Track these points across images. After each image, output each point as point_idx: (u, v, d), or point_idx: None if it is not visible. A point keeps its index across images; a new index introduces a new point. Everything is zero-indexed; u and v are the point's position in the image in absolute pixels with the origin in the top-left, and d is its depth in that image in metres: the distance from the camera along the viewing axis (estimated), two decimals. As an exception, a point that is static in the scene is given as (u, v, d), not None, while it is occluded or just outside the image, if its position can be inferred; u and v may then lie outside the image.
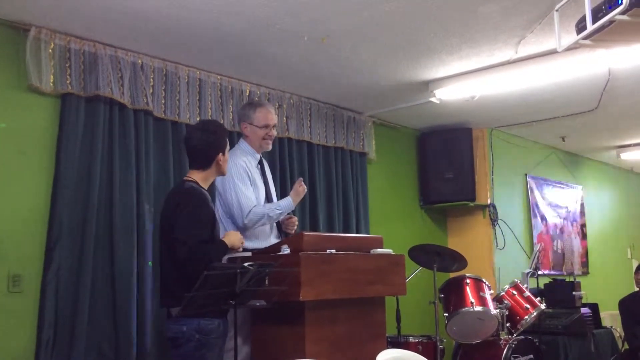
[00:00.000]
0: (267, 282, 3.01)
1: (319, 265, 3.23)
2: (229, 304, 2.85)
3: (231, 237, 3.15)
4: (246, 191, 3.56)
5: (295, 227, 3.85)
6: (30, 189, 3.49)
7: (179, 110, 4.14)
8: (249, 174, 3.65)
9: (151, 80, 4.02)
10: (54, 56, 3.57)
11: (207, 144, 3.16)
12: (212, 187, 3.48)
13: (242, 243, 3.21)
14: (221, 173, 3.29)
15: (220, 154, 3.19)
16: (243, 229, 3.51)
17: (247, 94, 4.57)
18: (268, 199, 3.77)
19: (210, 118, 4.29)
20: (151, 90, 4.00)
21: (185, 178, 3.20)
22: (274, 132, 3.80)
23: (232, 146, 4.16)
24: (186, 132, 3.39)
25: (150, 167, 3.95)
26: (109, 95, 3.75)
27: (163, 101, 4.07)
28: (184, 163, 4.10)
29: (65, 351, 3.41)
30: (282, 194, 4.58)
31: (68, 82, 3.62)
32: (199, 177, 3.17)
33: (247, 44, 3.90)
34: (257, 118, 3.72)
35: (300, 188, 3.72)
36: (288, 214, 3.80)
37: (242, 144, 3.80)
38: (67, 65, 3.63)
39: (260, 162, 3.83)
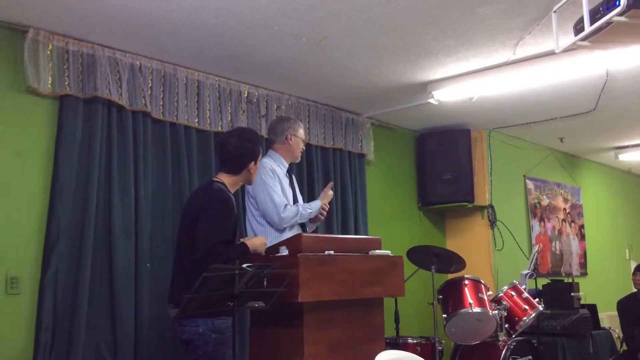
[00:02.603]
0: (265, 283, 3.01)
1: (318, 267, 3.23)
2: (228, 306, 2.85)
3: (255, 241, 3.21)
4: (277, 190, 3.74)
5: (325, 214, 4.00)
6: (28, 190, 3.49)
7: (177, 111, 4.14)
8: (278, 177, 3.81)
9: (149, 81, 4.01)
10: (52, 58, 3.57)
11: (243, 150, 3.24)
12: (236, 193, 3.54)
13: (264, 247, 3.26)
14: (249, 181, 3.38)
15: (252, 163, 3.28)
16: (278, 225, 3.69)
17: (246, 95, 4.57)
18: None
19: (208, 120, 4.29)
20: (149, 92, 4.00)
21: (214, 179, 3.26)
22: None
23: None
24: (222, 137, 3.46)
25: (149, 169, 3.95)
26: (107, 96, 3.75)
27: (161, 102, 4.07)
28: (182, 164, 4.11)
29: (63, 353, 3.41)
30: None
31: (66, 83, 3.61)
32: (227, 181, 3.24)
33: (245, 45, 3.91)
34: (301, 132, 4.00)
35: (330, 192, 3.98)
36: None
37: (272, 154, 3.96)
38: (65, 66, 3.62)
39: (289, 172, 3.98)
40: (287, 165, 3.96)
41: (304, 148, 4.08)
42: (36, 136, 3.56)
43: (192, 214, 3.13)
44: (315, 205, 3.88)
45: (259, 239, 3.28)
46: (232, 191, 3.25)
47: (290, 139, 3.94)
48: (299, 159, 4.09)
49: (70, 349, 3.42)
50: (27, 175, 3.50)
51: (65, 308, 3.46)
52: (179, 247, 3.23)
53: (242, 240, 3.22)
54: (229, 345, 3.02)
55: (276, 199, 3.69)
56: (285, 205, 3.70)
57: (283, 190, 3.81)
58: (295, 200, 3.93)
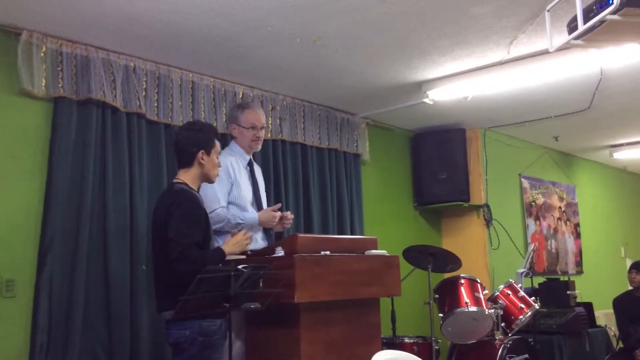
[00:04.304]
0: (261, 284, 3.00)
1: (314, 267, 3.23)
2: (224, 307, 2.84)
3: (229, 247, 3.13)
4: (218, 190, 3.56)
5: (288, 223, 3.78)
6: (22, 193, 3.48)
7: (172, 113, 4.13)
8: (232, 173, 3.66)
9: (144, 83, 4.01)
10: (45, 60, 3.56)
11: (188, 140, 3.14)
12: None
13: (241, 246, 3.18)
14: (206, 176, 3.20)
15: (202, 152, 3.13)
16: None
17: (240, 96, 4.57)
18: (257, 201, 3.80)
19: (203, 121, 4.27)
20: (144, 93, 3.99)
21: (175, 180, 3.18)
22: (262, 134, 3.82)
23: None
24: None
25: (143, 170, 3.94)
26: (101, 98, 3.74)
27: (156, 104, 4.06)
28: (177, 166, 4.10)
29: (59, 355, 3.40)
30: (275, 196, 4.58)
31: (60, 85, 3.60)
32: (187, 178, 3.15)
33: (240, 46, 3.90)
34: (244, 119, 3.76)
35: (273, 213, 3.67)
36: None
37: (232, 145, 3.86)
38: (59, 68, 3.61)
39: (250, 164, 3.85)
40: (247, 158, 3.79)
41: (260, 135, 3.77)
42: (30, 138, 3.55)
43: (159, 222, 3.06)
44: (250, 217, 3.61)
45: (233, 239, 3.17)
46: (196, 187, 3.17)
47: (234, 130, 3.77)
48: (257, 148, 3.81)
49: (66, 351, 3.41)
50: (21, 177, 3.49)
51: (60, 310, 3.45)
52: (154, 260, 3.16)
53: (220, 246, 3.16)
54: (217, 349, 2.99)
55: (208, 202, 3.43)
56: (215, 210, 3.51)
57: (238, 187, 3.65)
58: (256, 195, 3.79)
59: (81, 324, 3.48)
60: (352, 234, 5.17)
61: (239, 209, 3.65)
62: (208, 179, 3.23)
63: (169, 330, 2.99)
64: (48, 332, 3.39)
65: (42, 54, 3.55)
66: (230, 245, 3.15)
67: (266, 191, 4.02)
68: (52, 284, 3.44)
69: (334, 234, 5.01)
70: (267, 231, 3.78)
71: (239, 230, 3.35)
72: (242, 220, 3.59)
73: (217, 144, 3.22)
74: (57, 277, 3.46)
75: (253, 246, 3.53)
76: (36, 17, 3.40)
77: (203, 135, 3.16)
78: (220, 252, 3.08)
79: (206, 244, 3.09)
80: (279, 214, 3.70)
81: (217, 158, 3.22)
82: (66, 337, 3.43)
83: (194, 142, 3.14)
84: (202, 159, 3.14)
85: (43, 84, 3.54)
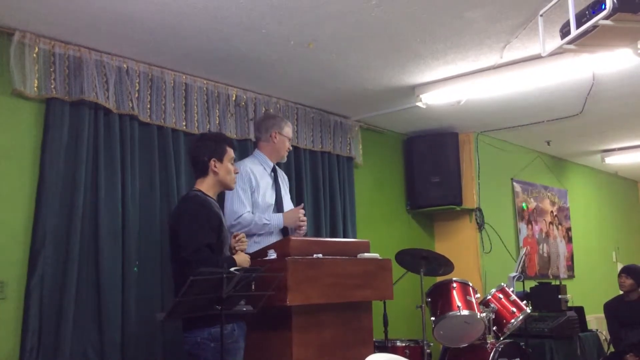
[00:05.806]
0: (253, 287, 3.00)
1: (306, 270, 3.23)
2: (216, 309, 2.83)
3: (241, 257, 3.16)
4: (242, 197, 3.66)
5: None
6: (14, 193, 3.46)
7: (165, 115, 4.12)
8: (253, 180, 3.75)
9: (137, 84, 4.00)
10: (38, 60, 3.55)
11: (200, 150, 3.23)
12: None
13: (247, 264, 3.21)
14: (223, 183, 3.26)
15: (214, 160, 3.20)
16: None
17: (234, 98, 4.56)
18: (278, 206, 3.86)
19: (196, 123, 4.28)
20: (137, 95, 3.98)
21: (192, 188, 3.25)
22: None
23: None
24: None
25: (136, 172, 3.93)
26: (94, 99, 3.72)
27: (149, 106, 4.05)
28: (170, 168, 4.10)
29: (50, 358, 3.38)
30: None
31: (53, 86, 3.59)
32: (203, 187, 3.22)
33: (233, 48, 3.90)
34: (286, 130, 3.95)
35: (298, 212, 3.78)
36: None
37: (256, 152, 3.97)
38: (51, 69, 3.60)
39: (274, 171, 3.94)
40: (271, 165, 3.93)
41: (291, 147, 4.04)
42: (22, 139, 3.53)
43: (172, 231, 3.15)
44: (276, 219, 3.73)
45: (243, 255, 3.22)
46: (213, 195, 3.23)
47: (275, 137, 3.90)
48: (285, 158, 4.05)
49: (56, 354, 3.39)
50: (12, 178, 3.47)
51: (51, 312, 3.43)
52: (172, 271, 3.23)
53: (232, 255, 3.18)
54: (232, 354, 3.00)
55: (235, 207, 3.63)
56: (242, 215, 3.62)
57: (259, 193, 3.74)
58: (279, 201, 3.88)
59: (72, 326, 3.46)
60: (344, 237, 5.17)
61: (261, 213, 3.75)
62: (225, 185, 3.30)
63: (185, 339, 3.04)
64: (38, 334, 3.37)
65: (34, 55, 3.53)
66: (240, 258, 3.16)
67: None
68: (43, 285, 3.42)
69: (326, 237, 5.01)
70: (284, 236, 3.80)
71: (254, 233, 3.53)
72: (267, 220, 3.69)
73: (229, 150, 3.29)
74: (48, 279, 3.44)
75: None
76: (29, 17, 3.38)
77: (214, 144, 3.24)
78: (232, 259, 3.08)
79: (220, 248, 3.10)
80: (303, 212, 3.81)
81: (231, 164, 3.29)
82: (57, 339, 3.41)
83: (205, 151, 3.22)
84: (215, 166, 3.22)
85: (35, 85, 3.52)
